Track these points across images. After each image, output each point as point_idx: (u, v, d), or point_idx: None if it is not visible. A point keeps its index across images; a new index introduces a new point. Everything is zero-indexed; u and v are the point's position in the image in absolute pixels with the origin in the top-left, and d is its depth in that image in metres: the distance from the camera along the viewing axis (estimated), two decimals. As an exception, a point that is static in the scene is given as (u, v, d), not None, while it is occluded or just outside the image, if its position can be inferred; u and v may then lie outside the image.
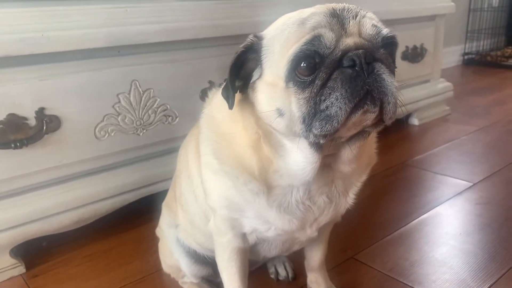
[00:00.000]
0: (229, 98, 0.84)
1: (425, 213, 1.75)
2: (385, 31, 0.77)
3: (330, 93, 0.71)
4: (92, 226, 1.59)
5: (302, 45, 0.72)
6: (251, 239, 1.04)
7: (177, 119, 1.72)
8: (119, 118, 1.57)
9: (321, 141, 0.78)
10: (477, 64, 4.81)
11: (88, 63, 1.49)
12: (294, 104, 0.75)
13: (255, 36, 0.84)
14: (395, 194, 1.94)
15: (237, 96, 0.87)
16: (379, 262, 1.45)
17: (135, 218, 1.71)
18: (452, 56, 4.79)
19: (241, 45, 0.84)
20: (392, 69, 0.77)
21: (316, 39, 0.72)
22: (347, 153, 0.86)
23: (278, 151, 0.86)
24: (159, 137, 1.69)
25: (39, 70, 1.39)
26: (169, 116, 1.70)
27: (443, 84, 3.03)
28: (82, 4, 1.44)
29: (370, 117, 0.74)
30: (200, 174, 1.02)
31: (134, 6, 1.55)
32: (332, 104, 0.71)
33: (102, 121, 1.54)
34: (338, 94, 0.70)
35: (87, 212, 1.57)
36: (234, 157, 0.90)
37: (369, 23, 0.76)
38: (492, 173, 2.09)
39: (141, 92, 1.60)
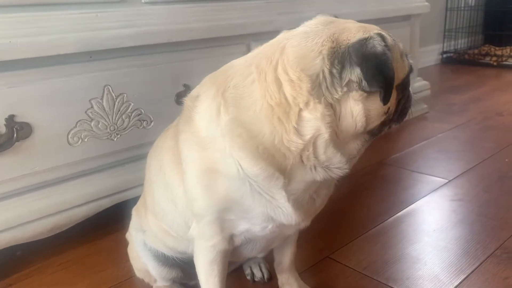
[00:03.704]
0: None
1: (401, 210, 1.77)
2: None
3: (411, 99, 0.98)
4: (66, 233, 1.57)
5: (407, 75, 0.93)
6: (238, 240, 1.04)
7: (152, 124, 1.71)
8: (92, 124, 1.56)
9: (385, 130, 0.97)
10: (455, 62, 4.89)
11: (59, 69, 1.47)
12: (394, 104, 0.92)
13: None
14: (372, 193, 1.96)
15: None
16: (354, 261, 1.46)
17: (110, 225, 1.69)
18: (431, 55, 4.85)
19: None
20: None
21: (410, 70, 0.95)
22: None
23: (334, 146, 0.89)
24: (134, 141, 1.68)
25: (8, 77, 1.37)
26: (144, 120, 1.69)
27: (420, 83, 3.07)
28: (50, 10, 1.42)
29: None
30: (181, 183, 1.00)
31: (105, 11, 1.54)
32: (410, 105, 0.98)
33: (75, 127, 1.53)
34: (413, 100, 0.99)
35: (62, 219, 1.55)
36: (268, 154, 0.88)
37: None
38: (466, 170, 2.12)
39: (114, 97, 1.60)
